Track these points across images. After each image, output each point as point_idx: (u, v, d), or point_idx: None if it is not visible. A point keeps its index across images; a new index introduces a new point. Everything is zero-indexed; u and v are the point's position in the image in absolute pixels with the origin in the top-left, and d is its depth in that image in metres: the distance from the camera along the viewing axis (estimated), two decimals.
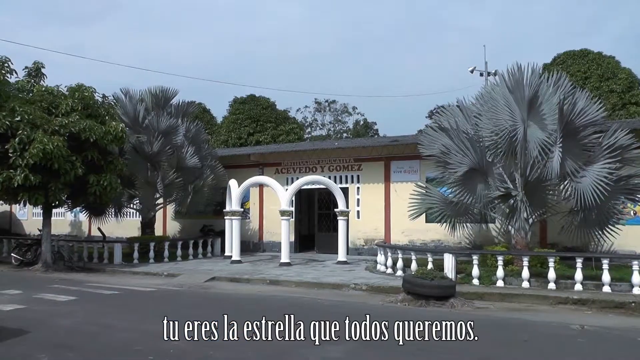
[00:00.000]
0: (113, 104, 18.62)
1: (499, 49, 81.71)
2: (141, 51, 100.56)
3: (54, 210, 18.31)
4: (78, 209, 21.11)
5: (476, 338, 7.82)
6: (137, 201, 21.40)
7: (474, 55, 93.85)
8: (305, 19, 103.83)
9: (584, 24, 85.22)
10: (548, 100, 13.59)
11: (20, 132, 15.07)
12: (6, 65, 16.47)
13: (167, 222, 25.33)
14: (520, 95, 13.53)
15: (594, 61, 30.99)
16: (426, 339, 7.74)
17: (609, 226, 13.92)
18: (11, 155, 15.11)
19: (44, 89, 16.91)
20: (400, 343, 7.46)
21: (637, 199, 13.96)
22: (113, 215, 21.16)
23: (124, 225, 23.25)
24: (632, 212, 16.02)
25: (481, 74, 33.27)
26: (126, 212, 22.44)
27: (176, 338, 7.48)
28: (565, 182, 13.90)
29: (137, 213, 21.92)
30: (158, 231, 23.13)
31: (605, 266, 11.62)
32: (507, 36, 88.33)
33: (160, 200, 21.22)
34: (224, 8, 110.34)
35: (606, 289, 11.50)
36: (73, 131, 15.77)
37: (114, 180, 16.93)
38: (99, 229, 21.17)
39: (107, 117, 17.18)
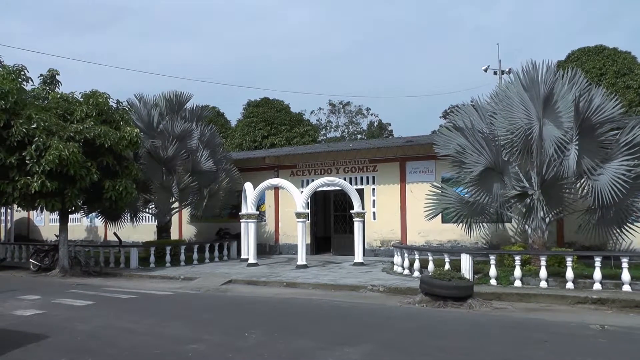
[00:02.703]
0: (127, 109, 18.70)
1: (513, 48, 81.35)
2: (153, 57, 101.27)
3: (70, 216, 18.46)
4: (94, 214, 21.22)
5: (495, 339, 7.80)
6: (153, 205, 21.49)
7: (487, 54, 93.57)
8: (316, 21, 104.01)
9: (598, 20, 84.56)
10: (563, 98, 13.48)
11: (36, 139, 15.19)
12: (22, 73, 16.67)
13: (182, 226, 25.42)
14: (536, 93, 13.44)
15: (610, 57, 30.68)
16: (445, 340, 7.72)
17: (628, 224, 13.77)
18: (28, 162, 15.23)
19: (59, 96, 17.06)
20: (419, 344, 7.43)
21: None
22: (129, 220, 21.26)
23: (140, 229, 23.38)
24: None
25: (495, 73, 33.05)
26: (142, 217, 22.56)
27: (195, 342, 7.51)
28: (582, 180, 13.80)
29: (153, 217, 22.02)
30: (174, 235, 23.25)
31: (624, 265, 11.46)
32: (520, 34, 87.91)
33: (176, 204, 21.29)
34: (235, 12, 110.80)
35: (626, 288, 11.35)
36: (88, 137, 15.89)
37: (130, 185, 17.02)
38: (115, 233, 21.29)
39: (121, 123, 17.27)
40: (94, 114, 16.63)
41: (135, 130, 17.29)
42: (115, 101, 18.09)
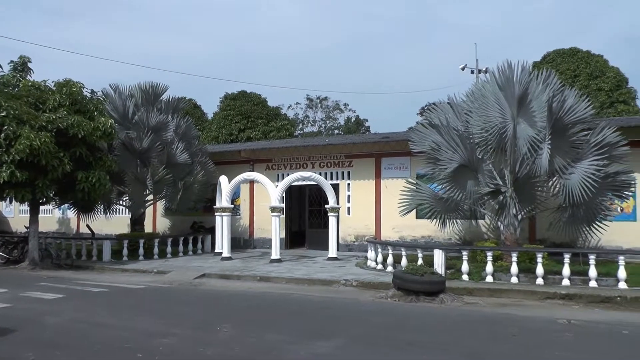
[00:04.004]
0: (102, 99, 18.43)
1: (491, 47, 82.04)
2: (131, 48, 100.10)
3: (41, 207, 18.19)
4: (66, 205, 20.97)
5: (465, 333, 7.91)
6: (127, 198, 21.28)
7: (466, 53, 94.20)
8: (298, 17, 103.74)
9: (573, 23, 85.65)
10: (537, 98, 13.67)
11: (5, 127, 14.89)
12: None
13: (157, 219, 25.23)
14: (511, 92, 13.60)
15: (583, 60, 31.23)
16: (417, 334, 7.80)
17: (597, 222, 14.03)
18: None
19: (30, 84, 16.69)
20: (390, 338, 7.49)
21: (623, 195, 14.14)
22: (102, 212, 21.01)
23: (113, 222, 23.13)
24: (618, 209, 16.20)
25: (472, 72, 33.34)
26: (115, 209, 22.32)
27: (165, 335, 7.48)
28: (554, 179, 14.02)
29: (127, 210, 21.81)
30: (148, 228, 23.05)
31: (592, 261, 11.73)
32: (499, 34, 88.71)
33: (150, 197, 21.13)
34: (216, 5, 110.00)
35: (593, 283, 11.61)
36: (61, 127, 15.64)
37: (103, 177, 16.81)
38: (88, 225, 21.06)
39: (95, 113, 17.00)
40: (67, 103, 16.36)
41: (110, 121, 17.06)
42: (90, 91, 17.82)
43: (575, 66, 31.05)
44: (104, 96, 19.17)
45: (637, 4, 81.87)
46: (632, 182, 14.10)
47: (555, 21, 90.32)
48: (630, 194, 14.63)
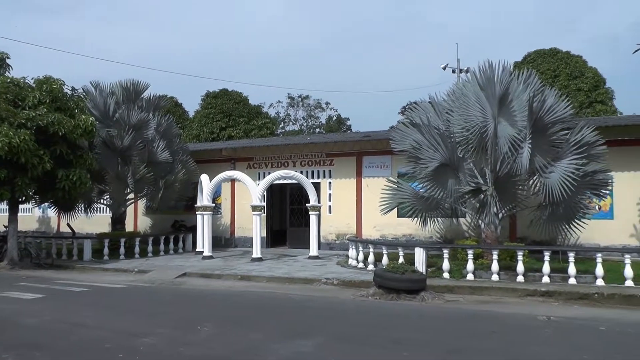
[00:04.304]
0: (83, 97, 18.23)
1: (473, 47, 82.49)
2: (111, 44, 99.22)
3: (20, 206, 17.99)
4: (46, 204, 20.74)
5: (446, 330, 7.98)
6: (108, 196, 21.12)
7: (448, 53, 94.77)
8: (280, 15, 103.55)
9: (554, 24, 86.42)
10: (518, 98, 13.79)
11: None
12: None
13: (138, 218, 25.08)
14: (491, 92, 13.70)
15: (563, 60, 31.59)
16: (397, 332, 7.84)
17: (576, 220, 14.19)
18: None
19: (9, 80, 16.43)
20: (371, 336, 7.53)
21: (601, 194, 14.29)
22: (83, 211, 20.85)
23: (94, 221, 22.98)
24: (597, 207, 16.45)
25: (453, 71, 33.48)
26: (96, 208, 22.13)
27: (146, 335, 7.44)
28: (534, 178, 14.15)
29: (108, 208, 21.64)
30: (129, 227, 22.89)
31: (571, 259, 11.88)
32: (480, 34, 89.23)
33: (131, 196, 21.00)
34: (199, 2, 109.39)
35: (572, 281, 11.75)
36: (41, 124, 15.47)
37: (84, 175, 16.66)
38: (69, 224, 20.88)
39: (76, 111, 16.84)
40: (48, 100, 16.18)
41: (91, 119, 16.92)
42: (70, 88, 17.61)
43: (555, 66, 31.39)
44: (84, 93, 18.96)
45: (616, 6, 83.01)
46: (610, 181, 14.36)
47: (536, 22, 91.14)
48: (607, 192, 14.82)
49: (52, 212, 24.87)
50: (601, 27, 78.32)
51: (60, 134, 15.79)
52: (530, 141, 13.29)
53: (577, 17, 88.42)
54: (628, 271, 11.39)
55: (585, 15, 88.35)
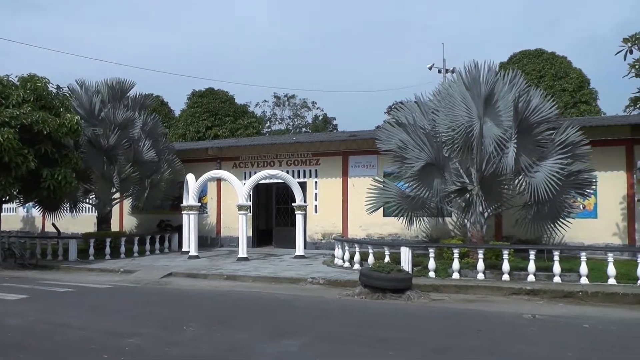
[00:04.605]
0: (68, 95, 18.12)
1: (459, 48, 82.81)
2: (97, 42, 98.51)
3: (4, 206, 17.84)
4: (31, 204, 20.59)
5: (431, 329, 8.01)
6: (93, 196, 21.01)
7: (434, 53, 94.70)
8: (266, 14, 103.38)
9: (540, 25, 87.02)
10: (504, 98, 13.88)
11: None
12: None
13: (123, 218, 24.94)
14: (477, 92, 13.78)
15: (548, 61, 31.83)
16: (383, 331, 7.86)
17: (560, 219, 14.33)
18: None
19: None
20: (357, 335, 7.54)
21: (586, 193, 14.47)
22: (68, 211, 20.71)
23: (79, 220, 22.82)
24: (581, 206, 16.58)
25: (439, 71, 33.65)
26: (82, 207, 21.99)
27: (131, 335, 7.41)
28: (520, 177, 14.26)
29: (93, 208, 21.51)
30: (115, 227, 22.76)
31: (556, 258, 12.01)
32: (467, 35, 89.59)
33: (117, 195, 20.88)
34: (185, 1, 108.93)
35: (557, 279, 11.87)
36: (25, 123, 15.32)
37: (69, 174, 16.53)
38: (53, 224, 20.72)
39: (61, 109, 16.71)
40: (32, 99, 16.05)
41: (76, 118, 16.80)
42: (55, 86, 17.49)
43: (540, 67, 31.62)
44: (70, 92, 18.84)
45: (599, 8, 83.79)
46: (594, 181, 14.60)
47: (522, 23, 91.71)
48: (591, 191, 15.07)
49: (36, 212, 24.67)
50: (585, 29, 79.14)
51: (45, 132, 15.66)
52: (515, 141, 13.39)
53: (562, 18, 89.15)
54: (611, 269, 11.53)
55: (570, 16, 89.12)
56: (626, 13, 78.60)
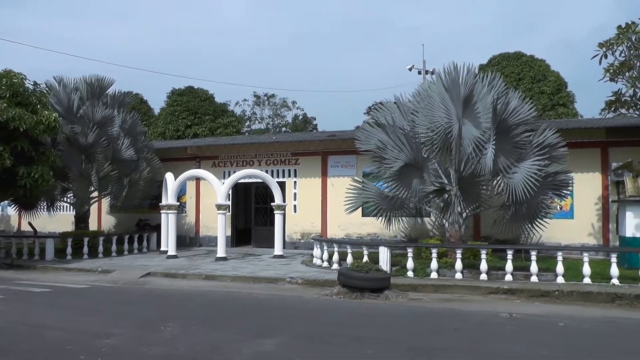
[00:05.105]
0: (45, 92, 17.87)
1: (439, 49, 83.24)
2: (76, 38, 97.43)
3: None
4: (6, 202, 20.33)
5: (409, 328, 8.06)
6: (71, 194, 20.77)
7: (414, 54, 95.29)
8: (246, 13, 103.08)
9: (520, 28, 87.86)
10: (482, 99, 14.01)
11: None
12: None
13: (102, 217, 24.72)
14: (456, 93, 13.89)
15: (527, 64, 32.17)
16: (361, 330, 7.90)
17: (538, 220, 14.52)
18: None
19: None
20: (334, 334, 7.57)
21: (563, 194, 14.70)
22: (45, 209, 20.48)
23: (56, 219, 22.58)
24: (558, 207, 16.79)
25: (419, 73, 33.79)
26: (59, 206, 21.78)
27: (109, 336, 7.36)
28: (498, 178, 14.40)
29: (71, 207, 21.29)
30: (93, 226, 22.55)
31: (533, 257, 12.15)
32: (447, 37, 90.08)
33: (95, 194, 20.66)
34: None
35: (534, 278, 12.01)
36: (0, 120, 15.11)
37: (46, 172, 16.31)
38: (30, 223, 20.47)
39: (38, 106, 16.47)
40: (8, 95, 15.78)
41: (54, 115, 16.56)
42: (32, 83, 17.21)
43: (519, 69, 31.95)
44: (47, 89, 18.61)
45: (576, 13, 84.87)
46: (570, 182, 14.86)
47: (502, 26, 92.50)
48: (568, 192, 15.34)
49: (12, 210, 24.37)
50: (563, 33, 80.00)
51: (22, 129, 15.43)
52: (494, 142, 13.53)
53: (541, 22, 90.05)
54: (586, 269, 11.69)
55: (548, 20, 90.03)
56: (603, 18, 79.78)
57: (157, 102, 66.24)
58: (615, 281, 11.48)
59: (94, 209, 22.49)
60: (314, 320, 8.81)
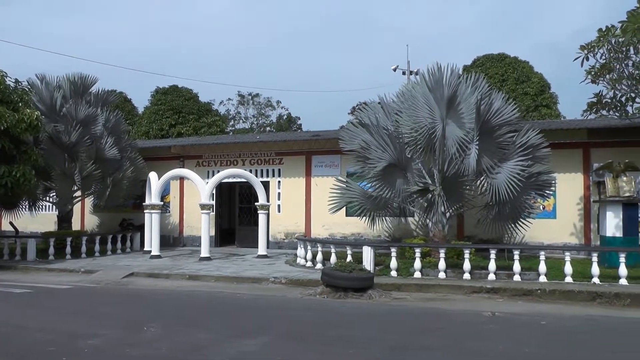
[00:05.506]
0: (27, 90, 17.70)
1: (424, 50, 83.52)
2: (58, 35, 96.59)
3: None
4: None
5: (392, 327, 8.09)
6: (54, 194, 20.54)
7: (399, 55, 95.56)
8: (231, 13, 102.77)
9: (503, 30, 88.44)
10: (466, 100, 14.09)
11: None
12: None
13: (85, 216, 24.50)
14: (440, 94, 13.95)
15: (511, 65, 32.45)
16: (344, 330, 7.92)
17: (521, 219, 14.64)
18: None
19: None
20: (318, 334, 7.58)
21: (545, 194, 14.84)
22: (27, 209, 20.24)
23: (39, 219, 22.35)
24: (541, 207, 16.93)
25: (404, 73, 33.89)
26: (41, 206, 21.53)
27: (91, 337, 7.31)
28: (482, 178, 14.49)
29: (54, 206, 21.08)
30: (76, 226, 22.33)
31: (516, 257, 12.27)
32: (432, 38, 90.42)
33: (78, 193, 20.47)
34: None
35: (516, 278, 12.11)
36: None
37: (28, 172, 16.14)
38: (11, 223, 20.25)
39: (20, 104, 16.27)
40: None
41: (36, 113, 16.38)
42: (14, 80, 17.04)
43: (503, 71, 32.20)
44: (29, 86, 18.42)
45: (560, 16, 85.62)
46: (553, 182, 15.01)
47: (486, 27, 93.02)
48: (551, 192, 15.50)
49: None
50: (546, 35, 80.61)
51: (3, 128, 15.25)
52: (477, 143, 13.61)
53: (525, 24, 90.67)
54: (568, 268, 11.82)
55: (532, 22, 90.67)
56: (585, 21, 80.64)
57: (141, 101, 65.79)
58: (596, 280, 11.62)
59: (77, 208, 22.29)
60: (298, 320, 8.82)
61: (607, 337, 7.85)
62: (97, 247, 19.09)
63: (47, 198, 20.86)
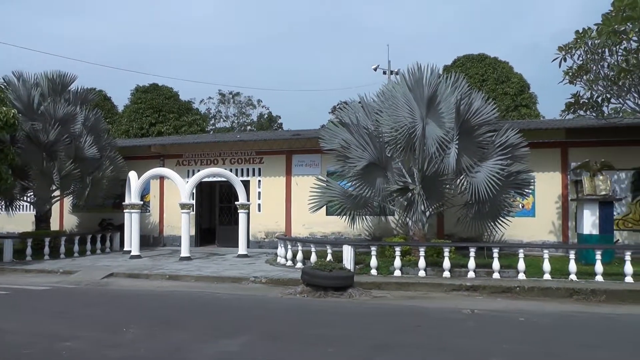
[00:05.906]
0: (3, 87, 17.49)
1: (405, 50, 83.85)
2: (36, 33, 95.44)
3: None
4: None
5: (372, 325, 8.12)
6: (32, 193, 20.27)
7: (379, 54, 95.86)
8: (211, 12, 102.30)
9: (483, 30, 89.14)
10: (446, 100, 14.19)
11: None
12: None
13: (64, 216, 24.24)
14: (420, 93, 14.03)
15: (491, 65, 32.63)
16: (324, 328, 7.93)
17: (500, 218, 14.77)
18: None
19: None
20: (298, 333, 7.59)
21: (524, 193, 15.01)
22: (4, 209, 19.96)
23: (16, 219, 22.06)
24: (520, 205, 17.12)
25: (384, 73, 33.98)
26: (19, 205, 21.25)
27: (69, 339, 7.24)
28: (461, 177, 14.59)
29: (31, 206, 20.81)
30: (54, 226, 22.08)
31: (495, 255, 12.41)
32: (412, 37, 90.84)
33: (57, 193, 20.23)
34: None
35: (496, 275, 12.26)
36: None
37: (5, 171, 15.95)
38: None
39: None
40: None
41: (13, 111, 16.16)
42: None
43: (483, 71, 32.39)
44: (5, 84, 18.20)
45: (539, 18, 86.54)
46: (532, 181, 15.13)
47: (467, 28, 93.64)
48: (530, 191, 15.69)
49: None
50: (526, 36, 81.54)
51: None
52: (457, 142, 13.72)
53: (505, 25, 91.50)
54: (546, 265, 11.99)
55: (512, 24, 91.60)
56: (563, 24, 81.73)
57: (121, 99, 65.33)
58: (573, 277, 11.80)
59: (55, 208, 22.06)
60: (278, 319, 8.82)
61: (584, 333, 7.96)
62: (76, 247, 18.88)
63: (25, 198, 20.58)
